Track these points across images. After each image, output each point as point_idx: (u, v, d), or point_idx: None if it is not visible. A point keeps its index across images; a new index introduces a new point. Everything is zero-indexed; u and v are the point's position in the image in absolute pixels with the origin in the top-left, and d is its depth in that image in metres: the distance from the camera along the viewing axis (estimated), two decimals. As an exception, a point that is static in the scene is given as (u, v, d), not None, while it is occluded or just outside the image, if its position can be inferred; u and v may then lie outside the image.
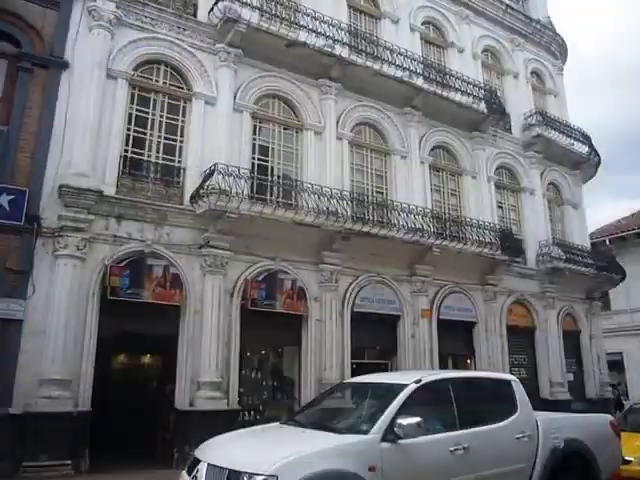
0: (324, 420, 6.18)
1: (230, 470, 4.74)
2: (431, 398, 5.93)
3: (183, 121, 11.78)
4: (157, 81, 11.75)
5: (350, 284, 12.82)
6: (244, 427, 7.03)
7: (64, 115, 10.35)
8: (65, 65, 10.65)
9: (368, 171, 14.33)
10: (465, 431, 5.71)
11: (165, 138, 11.50)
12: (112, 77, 11.00)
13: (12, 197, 9.51)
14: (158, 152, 11.34)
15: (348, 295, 12.72)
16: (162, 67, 11.83)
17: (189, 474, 5.29)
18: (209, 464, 5.01)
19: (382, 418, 5.26)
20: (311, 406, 6.94)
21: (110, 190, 10.39)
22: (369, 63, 14.00)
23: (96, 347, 9.90)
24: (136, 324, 10.35)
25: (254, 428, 6.70)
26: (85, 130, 10.33)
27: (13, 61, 10.39)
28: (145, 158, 11.19)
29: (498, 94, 17.24)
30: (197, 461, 5.25)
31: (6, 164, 9.71)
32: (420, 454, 5.33)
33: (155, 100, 11.61)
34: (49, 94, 10.38)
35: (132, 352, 12.60)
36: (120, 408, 11.74)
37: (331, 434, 5.32)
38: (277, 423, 6.59)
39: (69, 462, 9.08)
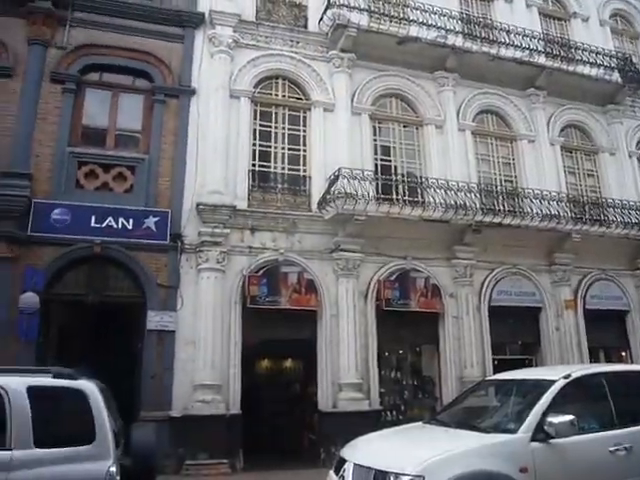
0: (468, 419, 6.00)
1: (376, 470, 4.75)
2: (583, 394, 5.62)
3: (304, 130, 12.09)
4: (277, 95, 12.19)
5: (485, 278, 12.33)
6: (387, 427, 6.99)
7: (196, 138, 11.08)
8: (193, 92, 11.41)
9: (494, 160, 13.71)
10: (626, 430, 5.25)
11: (289, 149, 11.87)
12: (235, 97, 11.59)
13: (157, 219, 10.37)
14: (283, 163, 11.73)
15: (484, 289, 12.25)
16: (280, 81, 12.25)
17: (336, 474, 5.37)
18: (355, 464, 5.05)
19: (530, 416, 5.01)
20: (454, 405, 6.78)
21: (242, 204, 10.92)
22: (485, 48, 13.46)
23: (241, 353, 10.41)
24: (276, 330, 10.79)
25: (397, 428, 6.66)
26: (215, 150, 10.98)
27: (148, 95, 11.34)
28: (272, 170, 11.63)
29: (633, 60, 15.74)
30: (343, 461, 5.31)
31: (149, 189, 10.60)
32: (576, 455, 4.97)
33: (276, 113, 12.04)
34: (181, 120, 11.18)
35: (274, 357, 13.08)
36: (267, 410, 12.23)
37: (476, 433, 5.16)
38: (420, 423, 6.51)
39: (226, 461, 9.63)
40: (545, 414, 4.98)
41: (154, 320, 10.02)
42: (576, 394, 5.46)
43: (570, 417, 4.86)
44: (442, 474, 4.44)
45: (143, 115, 11.23)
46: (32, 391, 4.63)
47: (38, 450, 4.48)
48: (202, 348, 10.01)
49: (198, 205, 10.50)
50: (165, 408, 9.73)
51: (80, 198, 10.21)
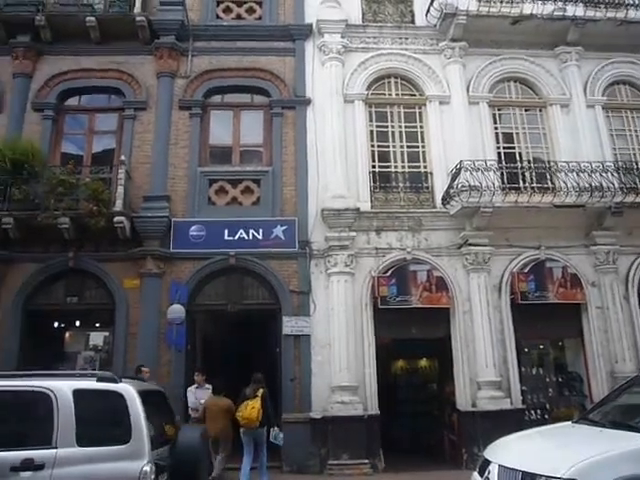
0: (625, 418, 5.52)
1: (524, 472, 4.52)
2: None
3: (421, 126, 11.91)
4: (390, 94, 12.13)
5: (632, 263, 11.29)
6: (531, 427, 6.66)
7: (315, 146, 11.36)
8: (308, 101, 11.70)
9: (631, 135, 12.55)
10: None
11: (407, 146, 11.74)
12: (349, 101, 11.70)
13: (285, 227, 10.75)
14: (403, 161, 11.64)
15: (631, 276, 11.25)
16: (392, 80, 12.19)
17: (480, 475, 5.19)
18: (500, 465, 4.85)
19: None
20: (606, 402, 6.27)
21: (366, 206, 10.99)
22: (611, 14, 12.40)
23: (375, 354, 10.45)
24: (408, 329, 10.75)
25: (544, 428, 6.34)
26: (334, 155, 11.16)
27: (267, 110, 11.82)
28: (392, 170, 11.58)
29: None
30: (487, 462, 5.13)
31: (275, 199, 11.02)
32: None
33: (391, 112, 11.98)
34: (299, 130, 11.52)
35: (408, 357, 12.99)
36: (404, 411, 12.17)
37: (636, 434, 4.69)
38: (569, 422, 6.09)
39: (367, 461, 9.71)
40: None
41: (289, 325, 10.38)
42: None
43: None
44: (597, 477, 4.13)
45: (263, 129, 11.74)
46: (77, 393, 4.99)
47: (80, 449, 4.81)
48: (337, 350, 10.19)
49: (323, 211, 10.74)
50: (305, 410, 10.04)
51: (213, 214, 10.89)
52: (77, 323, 11.39)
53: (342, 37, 12.06)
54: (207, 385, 9.43)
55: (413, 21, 12.70)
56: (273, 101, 11.74)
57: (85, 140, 11.67)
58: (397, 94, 12.15)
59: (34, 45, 11.71)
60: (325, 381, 10.15)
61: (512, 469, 4.69)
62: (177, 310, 10.08)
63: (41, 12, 11.63)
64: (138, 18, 11.56)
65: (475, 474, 5.41)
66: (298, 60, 12.06)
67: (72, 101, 11.89)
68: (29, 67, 11.67)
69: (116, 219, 10.07)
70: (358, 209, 10.78)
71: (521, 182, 11.46)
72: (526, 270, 10.90)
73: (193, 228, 10.66)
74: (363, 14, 12.62)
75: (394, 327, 10.66)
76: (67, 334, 11.55)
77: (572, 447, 4.90)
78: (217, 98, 11.98)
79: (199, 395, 9.31)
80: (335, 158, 11.14)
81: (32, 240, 10.48)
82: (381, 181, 11.46)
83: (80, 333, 11.43)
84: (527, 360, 11.06)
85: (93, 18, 11.53)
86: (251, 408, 8.22)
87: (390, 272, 10.66)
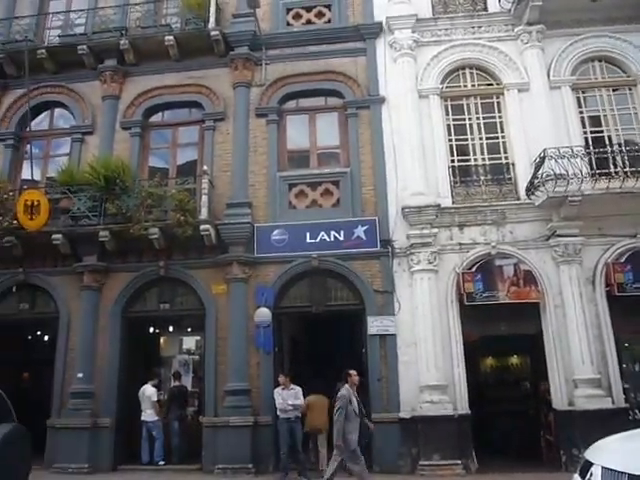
0: None
1: (630, 475, 4.21)
2: None
3: (500, 116, 11.52)
4: (465, 86, 11.84)
5: None
6: (636, 427, 6.25)
7: (391, 144, 11.28)
8: (382, 100, 11.64)
9: None
10: None
11: (487, 138, 11.39)
12: (424, 96, 11.54)
13: (366, 227, 10.75)
14: (483, 154, 11.31)
15: None
16: (467, 71, 11.89)
17: (582, 478, 4.89)
18: (604, 467, 4.53)
19: None
20: None
21: (446, 202, 10.79)
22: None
23: (463, 352, 10.23)
24: (497, 326, 10.48)
25: None
26: (412, 152, 11.03)
27: (341, 111, 11.88)
28: (472, 163, 11.28)
29: None
30: (589, 464, 4.81)
31: (355, 200, 11.05)
32: None
33: (468, 105, 11.68)
34: (375, 129, 11.48)
35: (498, 354, 12.64)
36: (496, 410, 11.82)
37: None
38: None
39: (459, 462, 9.52)
40: None
41: (374, 325, 10.36)
42: None
43: None
44: None
45: (339, 131, 11.80)
46: None
47: None
48: (423, 349, 10.06)
49: (403, 209, 10.65)
50: (394, 410, 9.98)
51: (294, 217, 11.07)
52: (170, 328, 11.96)
53: (413, 32, 11.91)
54: (293, 386, 9.59)
55: (486, 8, 12.34)
56: (347, 102, 11.77)
57: (170, 153, 12.26)
58: (473, 85, 11.85)
59: (120, 68, 12.43)
60: (413, 380, 10.05)
61: (618, 471, 4.39)
62: (264, 313, 10.34)
63: (125, 36, 12.32)
64: (213, 33, 11.96)
65: (576, 476, 5.13)
66: (370, 59, 12.03)
67: (156, 117, 12.51)
68: (116, 89, 12.39)
69: (202, 227, 10.47)
70: (439, 205, 10.60)
71: (612, 167, 10.80)
72: (622, 260, 10.27)
73: (275, 232, 10.89)
74: (433, 7, 12.40)
75: (482, 324, 10.38)
76: (162, 339, 12.16)
77: None
78: (292, 103, 12.18)
79: (285, 396, 9.47)
80: (413, 155, 11.02)
81: (126, 251, 11.14)
82: (461, 175, 11.20)
83: (174, 338, 12.02)
84: (628, 356, 10.39)
85: (171, 37, 12.06)
86: None
87: (475, 267, 10.40)
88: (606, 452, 4.97)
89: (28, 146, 12.14)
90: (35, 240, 11.01)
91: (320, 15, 12.72)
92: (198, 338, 11.71)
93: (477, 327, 10.46)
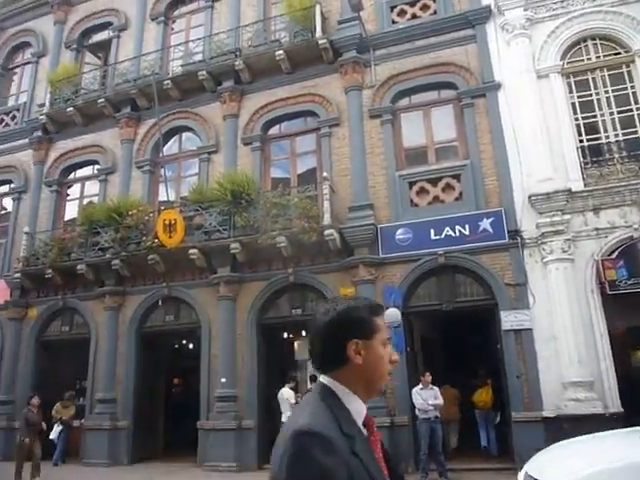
0: None
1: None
2: None
3: (632, 87, 10.60)
4: (589, 59, 11.05)
5: None
6: None
7: (512, 130, 10.80)
8: (498, 86, 11.20)
9: None
10: None
11: (618, 112, 10.54)
12: (543, 76, 10.95)
13: (492, 219, 10.39)
14: (615, 129, 10.47)
15: None
16: (589, 42, 11.10)
17: None
18: (527, 473, 4.88)
19: None
20: None
21: (578, 185, 10.12)
22: None
23: (610, 345, 9.53)
24: (647, 315, 9.61)
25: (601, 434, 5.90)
26: (535, 136, 10.49)
27: (456, 103, 11.60)
28: (603, 141, 10.49)
29: None
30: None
31: (477, 192, 10.72)
32: None
33: (594, 79, 10.88)
34: (493, 117, 11.06)
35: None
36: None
37: None
38: None
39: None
40: None
41: (508, 320, 9.97)
42: None
43: None
44: None
45: (455, 123, 11.54)
46: None
47: None
48: (564, 344, 9.51)
49: (530, 197, 10.16)
50: (536, 408, 9.53)
51: (416, 215, 10.97)
52: (303, 333, 12.34)
53: (525, 10, 11.35)
54: (432, 386, 9.49)
55: (605, -29, 11.45)
56: (461, 92, 11.47)
57: (290, 163, 12.73)
58: (598, 57, 11.02)
59: (237, 88, 13.13)
60: (554, 377, 9.52)
61: (533, 478, 4.68)
62: (393, 314, 10.31)
63: (239, 57, 12.98)
64: (320, 41, 12.23)
65: None
66: (480, 45, 11.64)
67: (274, 130, 13.04)
68: (235, 108, 13.08)
69: (326, 232, 10.72)
70: (569, 190, 9.98)
71: None
72: None
73: (399, 232, 10.87)
74: (544, -20, 11.73)
75: (630, 314, 9.59)
76: (296, 343, 12.59)
77: (589, 456, 4.81)
78: (405, 101, 12.11)
79: (425, 396, 9.39)
80: (536, 139, 10.47)
81: (256, 261, 11.70)
82: (592, 155, 10.45)
83: (307, 342, 12.36)
84: None
85: (281, 51, 12.49)
86: (485, 394, 11.18)
87: (616, 253, 9.65)
88: (534, 459, 5.35)
89: (162, 170, 13.17)
90: (174, 256, 11.94)
91: (425, 8, 12.53)
92: (330, 341, 11.96)
93: (623, 317, 9.69)
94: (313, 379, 11.58)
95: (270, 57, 12.67)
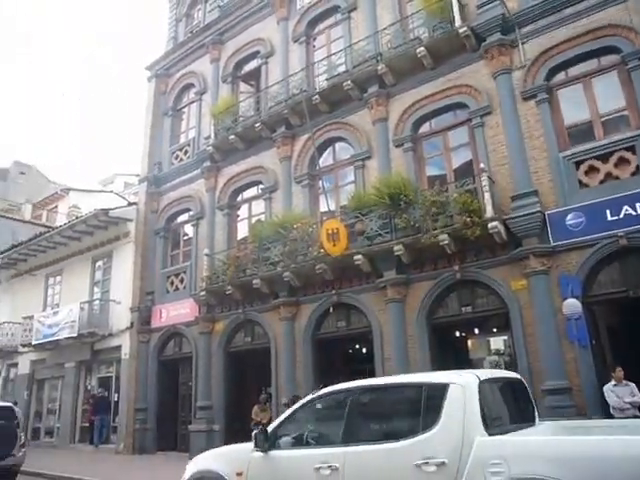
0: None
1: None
2: (324, 410, 5.54)
3: None
4: None
5: None
6: None
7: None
8: (667, 41, 9.97)
9: None
10: (342, 449, 4.78)
11: None
12: None
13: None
14: None
15: None
16: None
17: None
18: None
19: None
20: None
21: None
22: None
23: None
24: None
25: None
26: None
27: (620, 68, 10.54)
28: None
29: None
30: None
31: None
32: (284, 466, 5.20)
33: None
34: (670, 77, 9.87)
35: None
36: None
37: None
38: None
39: None
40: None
41: None
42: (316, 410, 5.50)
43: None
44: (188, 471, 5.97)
45: (622, 90, 10.44)
46: None
47: None
48: None
49: None
50: None
51: (586, 197, 10.16)
52: (476, 330, 12.06)
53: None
54: (626, 382, 8.67)
55: None
56: (627, 55, 10.31)
57: (444, 159, 12.54)
58: None
59: (382, 92, 13.30)
60: None
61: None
62: (572, 304, 9.69)
63: (380, 61, 13.14)
64: (461, 30, 11.92)
65: None
66: (638, -3, 10.40)
67: (424, 128, 12.94)
68: (383, 112, 13.26)
69: (490, 225, 10.37)
70: None
71: None
72: None
73: (570, 216, 10.14)
74: None
75: None
76: (469, 342, 12.34)
77: None
78: (560, 76, 11.24)
79: (620, 393, 8.60)
80: None
81: (421, 261, 11.70)
82: None
83: (480, 339, 12.07)
84: None
85: (422, 48, 12.40)
86: None
87: None
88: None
89: (320, 182, 13.77)
90: (340, 263, 12.39)
91: (569, -29, 11.55)
92: (505, 338, 11.53)
93: None
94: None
95: (411, 56, 12.64)
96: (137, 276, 18.03)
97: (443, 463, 4.18)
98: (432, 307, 11.60)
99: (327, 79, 14.65)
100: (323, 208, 13.88)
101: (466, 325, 12.08)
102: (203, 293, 15.33)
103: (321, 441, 5.22)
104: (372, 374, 11.99)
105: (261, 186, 15.82)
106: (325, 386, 5.47)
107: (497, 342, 11.81)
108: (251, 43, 17.56)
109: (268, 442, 5.24)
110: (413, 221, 11.46)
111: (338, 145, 14.47)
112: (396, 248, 11.50)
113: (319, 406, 5.54)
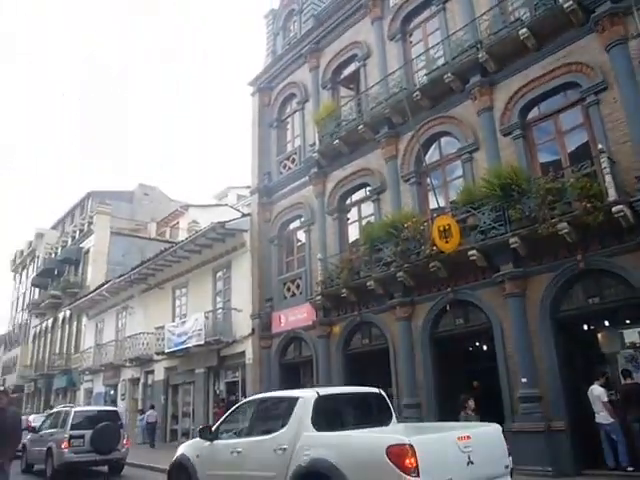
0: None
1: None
2: (241, 414, 8.10)
3: None
4: None
5: None
6: None
7: None
8: None
9: None
10: (243, 439, 7.46)
11: None
12: None
13: None
14: None
15: None
16: None
17: None
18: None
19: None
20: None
21: None
22: None
23: None
24: None
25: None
26: None
27: None
28: None
29: None
30: None
31: None
32: (217, 452, 7.80)
33: None
34: None
35: None
36: None
37: None
38: None
39: None
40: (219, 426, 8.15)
41: None
42: (240, 412, 8.19)
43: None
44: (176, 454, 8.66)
45: None
46: None
47: None
48: None
49: None
50: None
51: None
52: (606, 322, 11.27)
53: None
54: None
55: None
56: None
57: (557, 143, 11.85)
58: None
59: (485, 80, 12.87)
60: None
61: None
62: None
63: (481, 49, 12.72)
64: (566, 5, 11.23)
65: None
66: None
67: (532, 113, 12.29)
68: (487, 101, 12.82)
69: (614, 209, 9.67)
70: None
71: None
72: None
73: None
74: None
75: None
76: (599, 335, 11.55)
77: None
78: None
79: None
80: None
81: (539, 252, 11.17)
82: None
83: (612, 332, 11.24)
84: None
85: (525, 29, 11.84)
86: None
87: None
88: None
89: (428, 179, 13.60)
90: (454, 260, 12.16)
91: None
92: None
93: None
94: (626, 374, 10.42)
95: (514, 39, 12.12)
96: (255, 284, 18.86)
97: (285, 449, 6.52)
98: (555, 300, 10.99)
99: (427, 74, 14.43)
100: (433, 205, 13.70)
101: (594, 318, 11.28)
102: (319, 297, 15.71)
103: (237, 434, 7.78)
104: (493, 373, 11.67)
105: (368, 188, 15.91)
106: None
107: (631, 335, 10.91)
108: (348, 47, 17.71)
109: (212, 435, 7.91)
110: (528, 211, 10.98)
111: (443, 140, 14.17)
112: (512, 240, 11.08)
113: (240, 411, 8.09)
